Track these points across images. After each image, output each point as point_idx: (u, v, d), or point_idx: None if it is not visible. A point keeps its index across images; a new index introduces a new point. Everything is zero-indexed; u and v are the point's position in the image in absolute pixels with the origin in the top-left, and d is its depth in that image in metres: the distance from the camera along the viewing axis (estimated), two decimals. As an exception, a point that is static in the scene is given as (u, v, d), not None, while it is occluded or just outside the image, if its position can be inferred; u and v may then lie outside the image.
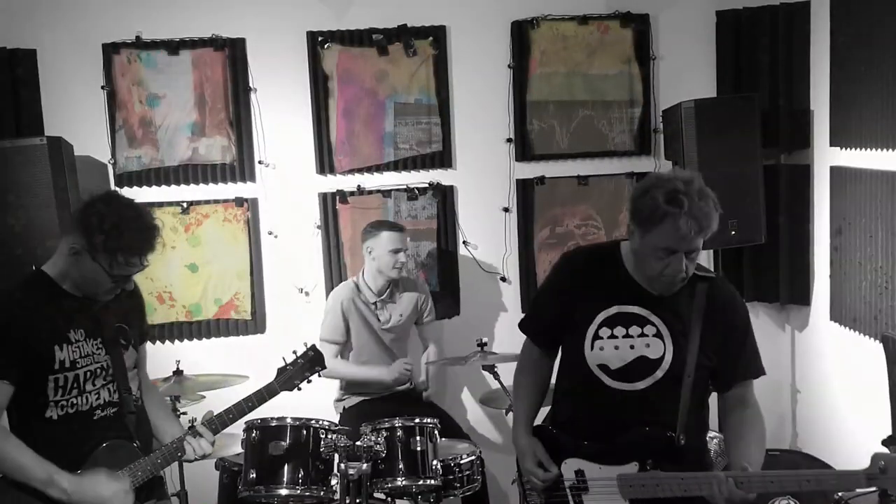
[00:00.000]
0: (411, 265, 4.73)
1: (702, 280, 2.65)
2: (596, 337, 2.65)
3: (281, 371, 3.21)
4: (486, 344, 4.12)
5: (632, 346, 2.62)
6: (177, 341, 4.72)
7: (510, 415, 3.97)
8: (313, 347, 3.30)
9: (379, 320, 4.47)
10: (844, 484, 2.46)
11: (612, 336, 2.64)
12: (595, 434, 2.68)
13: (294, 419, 3.45)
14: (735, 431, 2.65)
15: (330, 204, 4.77)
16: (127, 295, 2.84)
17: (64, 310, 2.71)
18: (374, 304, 4.47)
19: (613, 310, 2.65)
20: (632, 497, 2.61)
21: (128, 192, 4.60)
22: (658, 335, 2.62)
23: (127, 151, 4.61)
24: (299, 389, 3.23)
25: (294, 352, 3.28)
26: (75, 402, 2.70)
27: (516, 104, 4.82)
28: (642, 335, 2.62)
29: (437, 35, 4.76)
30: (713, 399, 2.77)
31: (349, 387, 4.49)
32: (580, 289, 2.72)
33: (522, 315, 4.81)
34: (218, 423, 2.97)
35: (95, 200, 2.74)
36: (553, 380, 2.95)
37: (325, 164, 4.75)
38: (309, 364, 3.24)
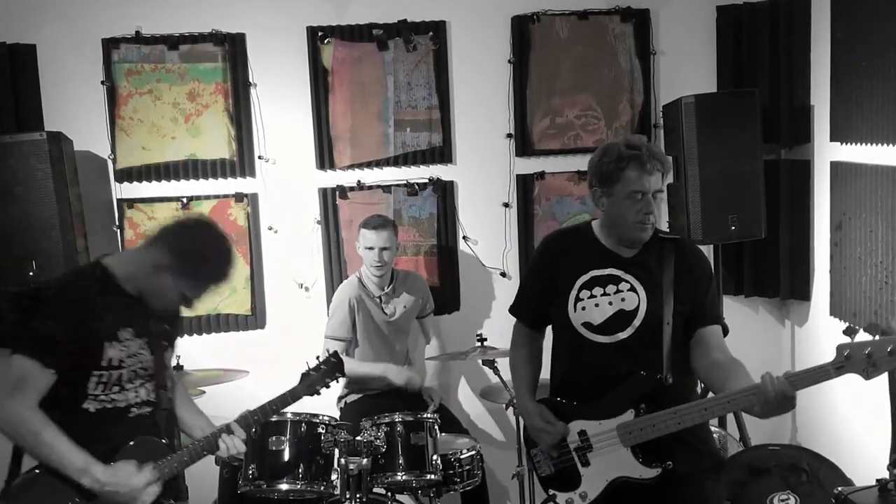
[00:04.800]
0: (409, 260, 4.76)
1: (669, 240, 2.95)
2: (577, 300, 2.90)
3: (304, 376, 3.26)
4: (485, 339, 4.12)
5: (610, 303, 2.87)
6: (177, 336, 4.72)
7: (510, 409, 3.99)
8: (335, 355, 3.32)
9: (385, 313, 4.48)
10: (816, 378, 2.56)
11: (592, 296, 2.89)
12: (590, 392, 2.88)
13: (294, 414, 3.46)
14: (722, 369, 2.77)
15: (330, 199, 4.76)
16: None
17: (119, 308, 2.73)
18: (379, 297, 4.47)
19: (590, 274, 2.91)
20: (633, 443, 2.80)
21: (127, 188, 4.62)
22: (632, 290, 2.86)
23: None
24: (319, 394, 3.27)
25: (317, 357, 3.32)
26: (115, 398, 2.73)
27: (517, 99, 4.81)
28: (618, 291, 2.87)
29: (438, 30, 4.75)
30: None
31: (350, 383, 4.49)
32: (560, 263, 2.98)
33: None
34: (243, 423, 3.00)
35: (193, 225, 2.84)
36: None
37: (325, 159, 4.74)
38: (330, 370, 3.28)
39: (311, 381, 3.22)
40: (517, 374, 3.13)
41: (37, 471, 2.67)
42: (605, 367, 2.85)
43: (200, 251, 2.72)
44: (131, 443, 2.75)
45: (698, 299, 2.88)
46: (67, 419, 2.65)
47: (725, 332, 2.93)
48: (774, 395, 2.53)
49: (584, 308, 2.88)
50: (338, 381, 3.33)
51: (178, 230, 2.79)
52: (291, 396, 3.16)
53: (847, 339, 2.55)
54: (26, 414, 2.58)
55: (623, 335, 2.84)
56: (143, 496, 2.70)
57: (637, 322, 2.83)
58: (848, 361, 2.51)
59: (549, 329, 3.11)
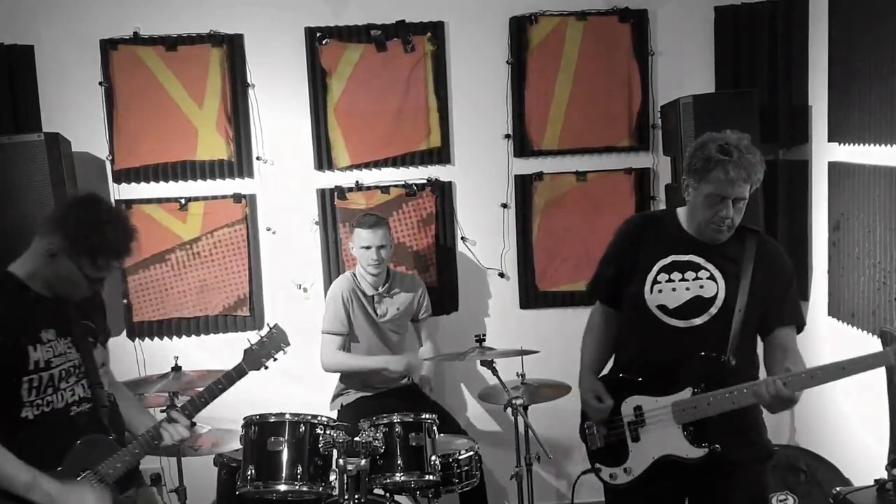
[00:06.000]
0: (408, 261, 4.76)
1: (751, 232, 2.98)
2: (655, 282, 2.93)
3: (248, 352, 3.24)
4: (484, 339, 4.11)
5: (687, 289, 2.90)
6: (175, 338, 4.73)
7: (508, 410, 3.99)
8: (276, 326, 3.31)
9: (377, 313, 4.48)
10: (876, 363, 2.71)
11: (670, 280, 2.92)
12: (654, 371, 2.93)
13: (292, 415, 3.46)
14: (781, 365, 2.87)
15: (328, 200, 4.76)
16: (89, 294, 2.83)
17: (34, 310, 2.69)
18: (372, 297, 4.47)
19: (670, 258, 2.94)
20: (684, 421, 2.85)
21: (125, 189, 4.63)
22: (711, 278, 2.90)
23: None
24: (266, 368, 3.25)
25: (258, 333, 3.31)
26: (51, 400, 2.68)
27: (515, 100, 4.81)
28: (696, 278, 2.90)
29: (436, 31, 4.75)
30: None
31: (348, 382, 4.49)
32: (640, 244, 3.03)
33: (520, 311, 4.86)
34: (191, 407, 3.00)
35: (76, 202, 2.76)
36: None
37: (324, 160, 4.74)
38: (273, 343, 3.27)
39: (255, 356, 3.21)
40: (584, 355, 3.17)
41: None
42: (677, 351, 2.88)
43: (88, 221, 2.64)
44: (78, 443, 2.72)
45: (777, 296, 2.92)
46: (8, 431, 2.60)
47: (801, 328, 2.98)
48: (770, 399, 2.69)
49: (660, 291, 2.91)
50: (284, 353, 3.29)
51: (62, 210, 2.74)
52: (237, 373, 3.14)
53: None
54: None
55: (698, 321, 2.87)
56: None
57: (714, 310, 2.87)
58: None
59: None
